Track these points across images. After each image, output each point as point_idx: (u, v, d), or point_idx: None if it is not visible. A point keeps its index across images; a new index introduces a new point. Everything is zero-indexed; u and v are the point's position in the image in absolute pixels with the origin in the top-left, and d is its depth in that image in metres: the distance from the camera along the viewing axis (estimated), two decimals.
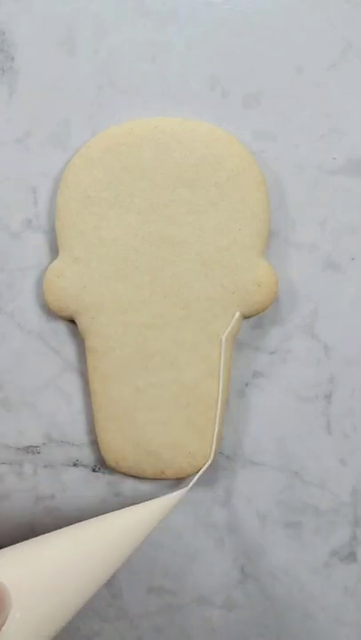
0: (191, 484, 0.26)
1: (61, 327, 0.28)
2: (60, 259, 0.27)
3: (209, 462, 0.26)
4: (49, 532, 0.29)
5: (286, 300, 0.27)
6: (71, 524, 0.29)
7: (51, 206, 0.28)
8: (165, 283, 0.26)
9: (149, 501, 0.25)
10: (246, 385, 0.28)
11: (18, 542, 0.29)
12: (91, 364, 0.27)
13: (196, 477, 0.26)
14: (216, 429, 0.26)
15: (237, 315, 0.26)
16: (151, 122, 0.26)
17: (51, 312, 0.28)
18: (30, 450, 0.29)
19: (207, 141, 0.26)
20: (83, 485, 0.29)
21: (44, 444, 0.29)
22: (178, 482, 0.28)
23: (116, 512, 0.25)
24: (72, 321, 0.27)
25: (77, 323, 0.27)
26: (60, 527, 0.29)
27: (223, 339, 0.26)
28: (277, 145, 0.27)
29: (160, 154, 0.26)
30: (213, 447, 0.26)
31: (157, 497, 0.25)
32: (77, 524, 0.25)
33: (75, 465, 0.29)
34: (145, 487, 0.29)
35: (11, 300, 0.29)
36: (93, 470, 0.29)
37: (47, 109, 0.28)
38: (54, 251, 0.28)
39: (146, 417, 0.26)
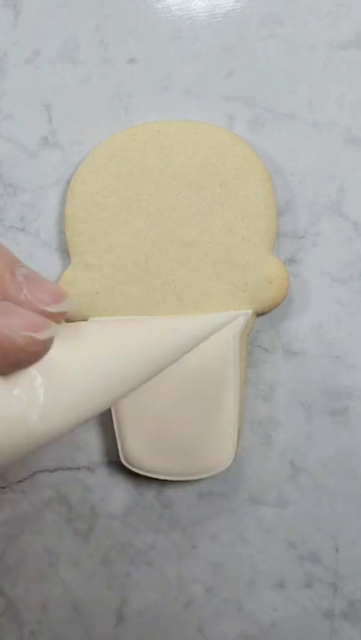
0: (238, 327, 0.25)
1: None
2: (72, 266, 0.27)
3: (231, 460, 0.26)
4: (92, 448, 0.29)
5: (312, 183, 0.27)
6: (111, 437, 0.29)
7: (65, 121, 0.28)
8: (177, 285, 0.26)
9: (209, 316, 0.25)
10: None
11: (64, 462, 0.29)
12: None
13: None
14: (236, 427, 0.26)
15: (250, 312, 0.26)
16: (154, 126, 0.26)
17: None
18: None
19: (211, 142, 0.26)
20: None
21: None
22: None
23: (176, 319, 0.24)
24: None
25: None
26: (102, 444, 0.29)
27: (237, 337, 0.25)
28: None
29: (165, 157, 0.26)
30: (235, 445, 0.26)
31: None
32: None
33: None
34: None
35: (34, 219, 0.29)
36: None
37: (54, 26, 0.28)
38: (73, 166, 0.28)
39: (165, 417, 0.26)
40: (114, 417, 0.27)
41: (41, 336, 0.15)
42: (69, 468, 0.29)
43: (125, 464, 0.27)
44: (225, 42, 0.27)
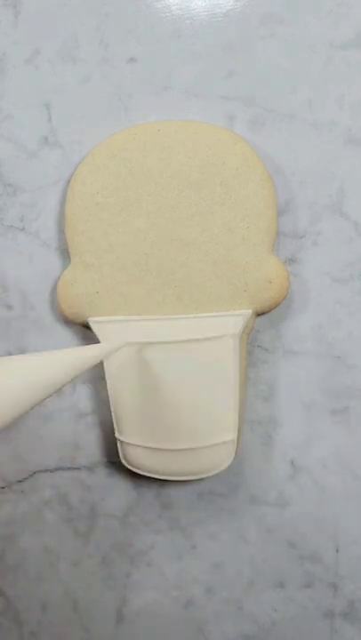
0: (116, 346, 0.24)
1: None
2: (72, 266, 0.27)
3: (230, 460, 0.26)
4: (92, 448, 0.29)
5: (312, 183, 0.27)
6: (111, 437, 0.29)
7: (65, 121, 0.28)
8: (177, 285, 0.26)
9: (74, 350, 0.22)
10: None
11: (64, 462, 0.29)
12: (107, 367, 0.27)
13: None
14: (236, 427, 0.26)
15: (250, 312, 0.26)
16: (154, 126, 0.26)
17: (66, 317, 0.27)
18: None
19: (211, 142, 0.26)
20: None
21: None
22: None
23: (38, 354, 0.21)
24: (87, 326, 0.27)
25: (92, 328, 0.27)
26: (102, 443, 0.29)
27: (237, 337, 0.25)
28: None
29: (165, 157, 0.26)
30: (235, 445, 0.26)
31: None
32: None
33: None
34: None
35: (34, 219, 0.29)
36: None
37: (54, 26, 0.28)
38: (73, 165, 0.28)
39: (165, 417, 0.26)
40: (113, 417, 0.27)
41: None
42: (69, 468, 0.29)
43: (125, 464, 0.27)
44: (225, 42, 0.27)
